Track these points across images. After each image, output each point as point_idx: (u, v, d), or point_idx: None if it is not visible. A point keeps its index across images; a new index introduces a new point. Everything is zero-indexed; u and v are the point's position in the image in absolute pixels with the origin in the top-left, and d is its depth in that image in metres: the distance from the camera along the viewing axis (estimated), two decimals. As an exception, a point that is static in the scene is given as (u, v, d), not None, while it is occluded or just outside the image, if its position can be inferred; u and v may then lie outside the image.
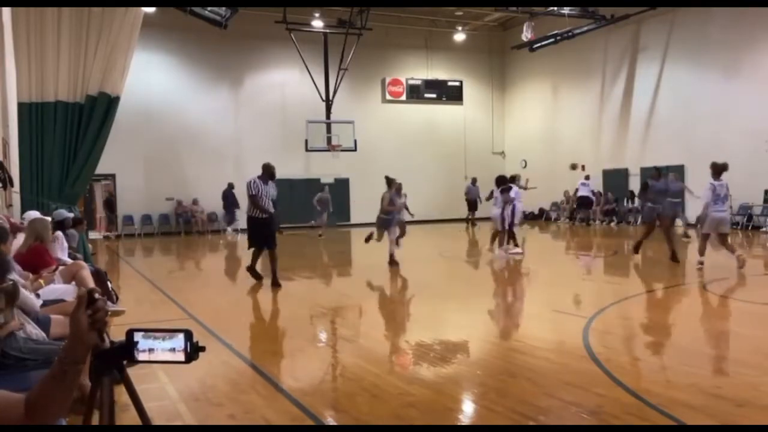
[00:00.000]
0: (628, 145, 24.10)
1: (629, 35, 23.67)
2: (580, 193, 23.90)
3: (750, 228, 19.54)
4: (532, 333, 7.02)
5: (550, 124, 27.61)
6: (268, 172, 10.26)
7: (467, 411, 4.70)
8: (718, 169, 10.69)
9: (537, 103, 28.51)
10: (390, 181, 12.88)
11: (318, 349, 6.65)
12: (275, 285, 10.11)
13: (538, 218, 27.52)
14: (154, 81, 23.53)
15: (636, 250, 13.06)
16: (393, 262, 12.53)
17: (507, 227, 14.29)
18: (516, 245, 14.61)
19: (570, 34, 23.91)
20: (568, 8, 22.37)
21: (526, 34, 23.80)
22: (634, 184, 23.13)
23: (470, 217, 26.14)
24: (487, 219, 18.48)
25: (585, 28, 23.52)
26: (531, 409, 4.47)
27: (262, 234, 10.25)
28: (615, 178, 24.52)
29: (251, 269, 10.69)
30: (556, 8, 22.42)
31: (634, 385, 4.81)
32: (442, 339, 6.62)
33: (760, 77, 19.44)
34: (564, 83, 26.98)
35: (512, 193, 14.15)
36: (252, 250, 10.63)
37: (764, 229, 19.21)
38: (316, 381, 5.38)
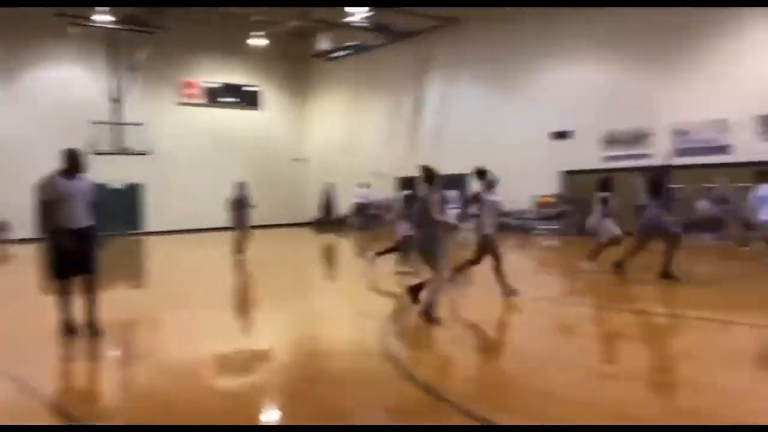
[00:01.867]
0: (420, 155, 25.48)
1: (420, 50, 25.06)
2: (355, 200, 25.20)
3: (522, 231, 21.58)
4: (334, 336, 7.14)
5: (350, 132, 28.37)
6: (72, 162, 6.82)
7: (269, 419, 4.66)
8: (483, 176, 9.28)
9: (337, 111, 29.15)
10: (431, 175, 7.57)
11: (110, 367, 6.19)
12: (94, 333, 6.88)
13: (339, 223, 28.11)
14: None
15: None
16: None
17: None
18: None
19: (365, 46, 24.79)
20: (363, 22, 23.13)
21: (322, 44, 24.29)
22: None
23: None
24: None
25: (378, 42, 24.50)
26: (331, 413, 4.53)
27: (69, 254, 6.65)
28: (409, 185, 25.79)
29: (66, 325, 6.86)
30: (351, 21, 23.09)
31: (431, 381, 5.07)
32: (246, 348, 6.49)
33: (530, 94, 21.61)
34: (362, 93, 27.88)
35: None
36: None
37: (536, 231, 21.34)
38: (108, 402, 5.00)
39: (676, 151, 18.51)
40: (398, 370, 5.38)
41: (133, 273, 15.12)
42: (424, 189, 7.26)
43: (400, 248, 11.73)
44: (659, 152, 18.50)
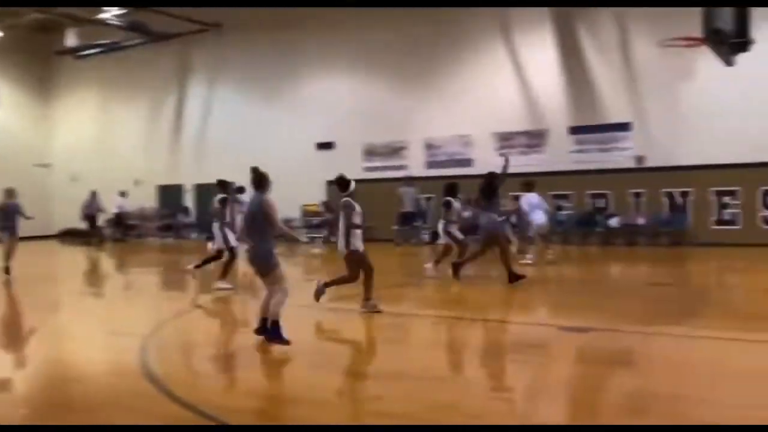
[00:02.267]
0: (182, 162, 24.53)
1: (180, 54, 24.14)
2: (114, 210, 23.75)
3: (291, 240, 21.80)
4: (87, 358, 6.55)
5: (103, 136, 26.31)
6: None
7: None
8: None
9: (87, 113, 26.86)
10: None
11: None
12: None
13: (90, 235, 25.93)
14: None
15: None
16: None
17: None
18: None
19: (119, 45, 23.20)
20: (117, 19, 21.66)
21: (71, 41, 22.28)
22: (190, 200, 23.83)
23: None
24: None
25: (135, 42, 23.10)
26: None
27: None
28: (171, 193, 24.70)
29: None
30: (103, 17, 21.48)
31: (191, 398, 4.87)
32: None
33: (295, 104, 21.93)
34: (117, 96, 26.07)
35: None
36: None
37: (302, 239, 21.63)
38: None
39: (427, 164, 20.10)
40: (158, 390, 5.09)
41: None
42: (256, 194, 6.80)
43: (218, 259, 11.05)
44: (414, 164, 19.98)
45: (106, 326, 8.04)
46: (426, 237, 19.58)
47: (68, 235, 25.95)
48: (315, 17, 20.77)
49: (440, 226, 11.69)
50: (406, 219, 19.20)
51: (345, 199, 8.36)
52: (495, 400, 4.78)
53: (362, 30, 20.38)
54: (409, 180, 19.11)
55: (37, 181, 25.61)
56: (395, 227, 19.11)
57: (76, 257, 19.96)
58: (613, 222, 17.34)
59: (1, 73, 25.96)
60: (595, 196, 17.89)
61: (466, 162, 19.42)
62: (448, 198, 11.53)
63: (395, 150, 20.55)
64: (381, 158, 20.73)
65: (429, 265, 11.64)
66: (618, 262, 14.76)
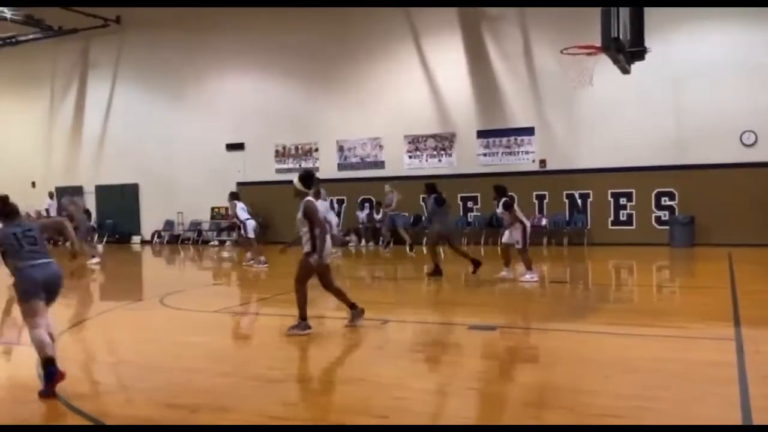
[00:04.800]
0: (81, 162, 23.48)
1: (79, 50, 23.11)
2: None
3: (200, 242, 21.31)
4: (-25, 373, 6.15)
5: (-6, 135, 24.82)
6: None
7: None
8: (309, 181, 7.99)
9: (-25, 111, 25.26)
10: None
11: None
12: None
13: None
14: None
15: None
16: None
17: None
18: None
19: (14, 40, 21.97)
20: (11, 13, 20.49)
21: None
22: (90, 202, 22.77)
23: None
24: None
25: (31, 36, 21.94)
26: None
27: None
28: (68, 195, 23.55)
29: None
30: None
31: (94, 410, 4.68)
32: None
33: (202, 103, 21.43)
34: (9, 92, 24.66)
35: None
36: None
37: (212, 242, 21.21)
38: None
39: (339, 165, 20.12)
40: (60, 403, 4.86)
41: None
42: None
43: None
44: (326, 165, 19.94)
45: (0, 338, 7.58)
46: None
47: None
48: (222, 16, 20.41)
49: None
50: None
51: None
52: (403, 399, 4.84)
53: (272, 30, 20.17)
54: (318, 181, 19.02)
55: None
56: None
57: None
58: (520, 222, 17.89)
59: None
60: (501, 197, 18.41)
61: (378, 164, 19.58)
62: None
63: (307, 151, 20.45)
64: (292, 159, 20.58)
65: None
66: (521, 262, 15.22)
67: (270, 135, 20.59)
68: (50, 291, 5.28)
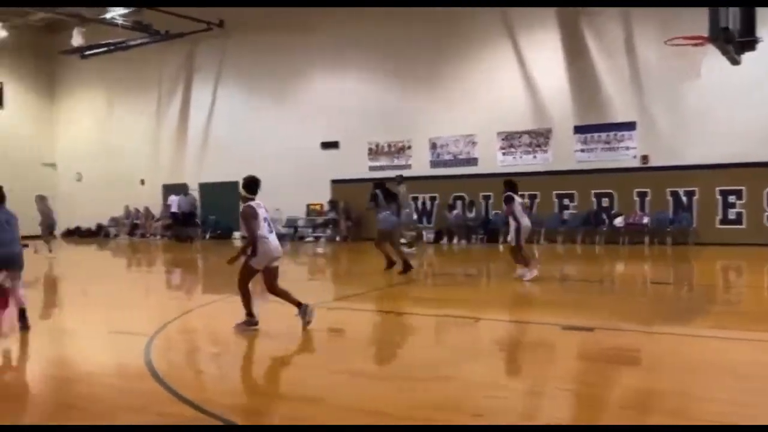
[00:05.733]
0: (186, 161, 24.60)
1: (185, 53, 24.21)
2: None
3: (297, 238, 21.88)
4: (90, 359, 6.58)
5: (108, 135, 26.41)
6: None
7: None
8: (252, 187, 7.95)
9: (92, 113, 26.99)
10: None
11: None
12: None
13: (96, 234, 26.08)
14: None
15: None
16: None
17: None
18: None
19: (124, 45, 23.29)
20: (122, 19, 21.75)
21: (76, 40, 22.38)
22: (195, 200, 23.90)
23: None
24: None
25: (139, 41, 23.19)
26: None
27: None
28: (176, 193, 24.74)
29: None
30: (108, 17, 21.57)
31: (196, 397, 4.89)
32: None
33: (299, 103, 21.96)
34: (120, 95, 26.17)
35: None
36: None
37: (308, 238, 21.72)
38: None
39: (431, 163, 20.11)
40: (164, 390, 5.12)
41: None
42: None
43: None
44: (419, 163, 19.99)
45: (111, 326, 8.07)
46: (431, 237, 19.63)
47: (73, 234, 26.08)
48: (320, 17, 20.82)
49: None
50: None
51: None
52: (497, 399, 4.78)
53: (367, 30, 20.39)
54: (402, 179, 19.05)
55: (43, 181, 25.67)
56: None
57: (83, 256, 20.03)
58: (618, 221, 17.32)
59: (7, 73, 26.11)
60: (599, 195, 17.86)
61: (471, 161, 19.43)
62: (508, 193, 11.03)
63: (399, 149, 20.55)
64: (386, 157, 20.74)
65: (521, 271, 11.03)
66: (622, 262, 14.73)
67: (363, 133, 20.84)
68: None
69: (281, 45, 22.00)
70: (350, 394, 4.98)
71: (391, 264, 11.98)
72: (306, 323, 7.13)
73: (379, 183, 12.76)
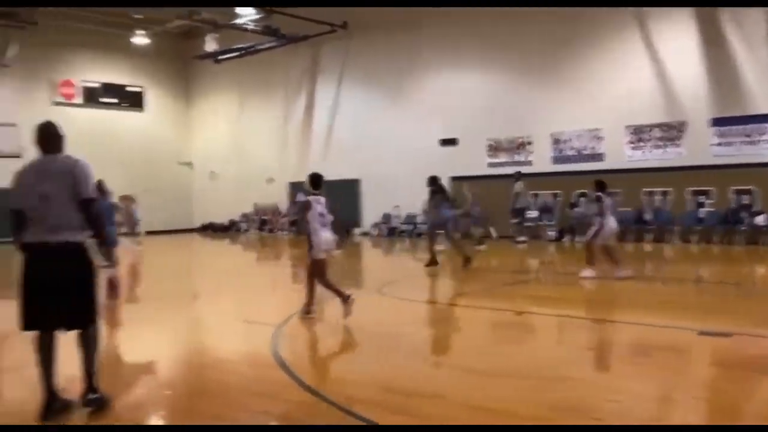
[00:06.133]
0: (310, 160, 25.40)
1: (309, 56, 25.00)
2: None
3: (416, 235, 22.02)
4: (221, 346, 6.96)
5: (238, 135, 27.82)
6: None
7: (154, 435, 4.48)
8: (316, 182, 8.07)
9: (224, 115, 28.52)
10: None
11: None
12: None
13: (228, 229, 27.53)
14: None
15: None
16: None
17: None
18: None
19: (254, 49, 24.42)
20: (252, 24, 22.81)
21: (210, 45, 23.73)
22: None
23: None
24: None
25: (267, 45, 24.20)
26: (220, 423, 4.43)
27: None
28: (301, 190, 25.68)
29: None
30: (240, 22, 22.69)
31: (318, 387, 5.06)
32: (129, 362, 6.20)
33: (418, 101, 22.08)
34: (250, 97, 27.44)
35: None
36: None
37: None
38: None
39: (553, 159, 19.57)
40: (289, 378, 5.33)
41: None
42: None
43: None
44: (540, 159, 19.53)
45: (241, 315, 8.48)
46: (553, 234, 19.13)
47: (207, 230, 27.67)
48: (437, 14, 20.80)
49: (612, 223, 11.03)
50: (518, 215, 18.82)
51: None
52: (618, 403, 4.60)
53: (485, 25, 20.14)
54: (520, 175, 18.67)
55: (179, 179, 27.43)
56: (513, 222, 18.79)
57: (216, 249, 21.19)
58: (760, 220, 16.08)
59: (148, 78, 28.09)
60: (739, 192, 16.66)
61: (596, 156, 18.71)
62: (598, 193, 10.97)
63: (519, 145, 20.16)
64: (505, 153, 20.42)
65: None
66: (763, 263, 13.67)
67: (482, 130, 20.62)
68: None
69: (400, 44, 22.20)
70: (469, 392, 4.95)
71: (433, 262, 12.59)
72: (348, 311, 7.57)
73: (433, 180, 13.07)
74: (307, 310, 7.83)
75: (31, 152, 4.82)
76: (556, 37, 18.98)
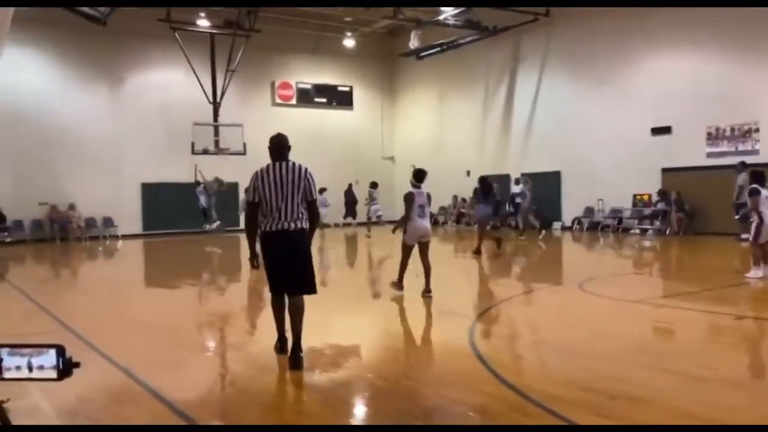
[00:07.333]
0: (509, 152, 25.13)
1: (510, 46, 24.69)
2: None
3: (620, 230, 20.90)
4: (420, 334, 7.16)
5: (438, 130, 28.34)
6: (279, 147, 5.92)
7: (357, 414, 4.73)
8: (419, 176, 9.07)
9: (425, 110, 29.20)
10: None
11: (205, 359, 6.46)
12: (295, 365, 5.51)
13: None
14: (26, 79, 22.14)
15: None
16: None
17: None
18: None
19: (455, 43, 24.66)
20: (453, 19, 23.05)
21: (414, 43, 24.36)
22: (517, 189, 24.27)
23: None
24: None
25: (469, 39, 24.30)
26: (418, 410, 4.56)
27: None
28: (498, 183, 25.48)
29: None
30: (442, 18, 23.05)
31: (516, 382, 5.01)
32: (334, 343, 6.62)
33: (627, 88, 20.83)
34: (450, 91, 27.79)
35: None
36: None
37: (633, 231, 20.59)
38: (203, 392, 5.22)
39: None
40: (486, 370, 5.34)
41: (231, 268, 15.69)
42: None
43: None
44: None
45: (438, 307, 8.66)
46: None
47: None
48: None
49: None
50: (738, 210, 16.93)
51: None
52: None
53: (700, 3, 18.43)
54: (743, 166, 16.71)
55: (382, 173, 28.53)
56: (735, 218, 16.92)
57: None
58: None
59: (356, 77, 29.61)
60: None
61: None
62: (756, 185, 10.10)
63: (744, 133, 18.23)
64: (727, 142, 18.58)
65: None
66: None
67: (700, 116, 18.92)
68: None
69: (606, 29, 21.07)
70: (680, 398, 4.62)
71: (499, 243, 15.15)
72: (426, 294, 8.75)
73: (482, 179, 15.31)
74: (398, 286, 9.10)
75: (254, 150, 5.68)
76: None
